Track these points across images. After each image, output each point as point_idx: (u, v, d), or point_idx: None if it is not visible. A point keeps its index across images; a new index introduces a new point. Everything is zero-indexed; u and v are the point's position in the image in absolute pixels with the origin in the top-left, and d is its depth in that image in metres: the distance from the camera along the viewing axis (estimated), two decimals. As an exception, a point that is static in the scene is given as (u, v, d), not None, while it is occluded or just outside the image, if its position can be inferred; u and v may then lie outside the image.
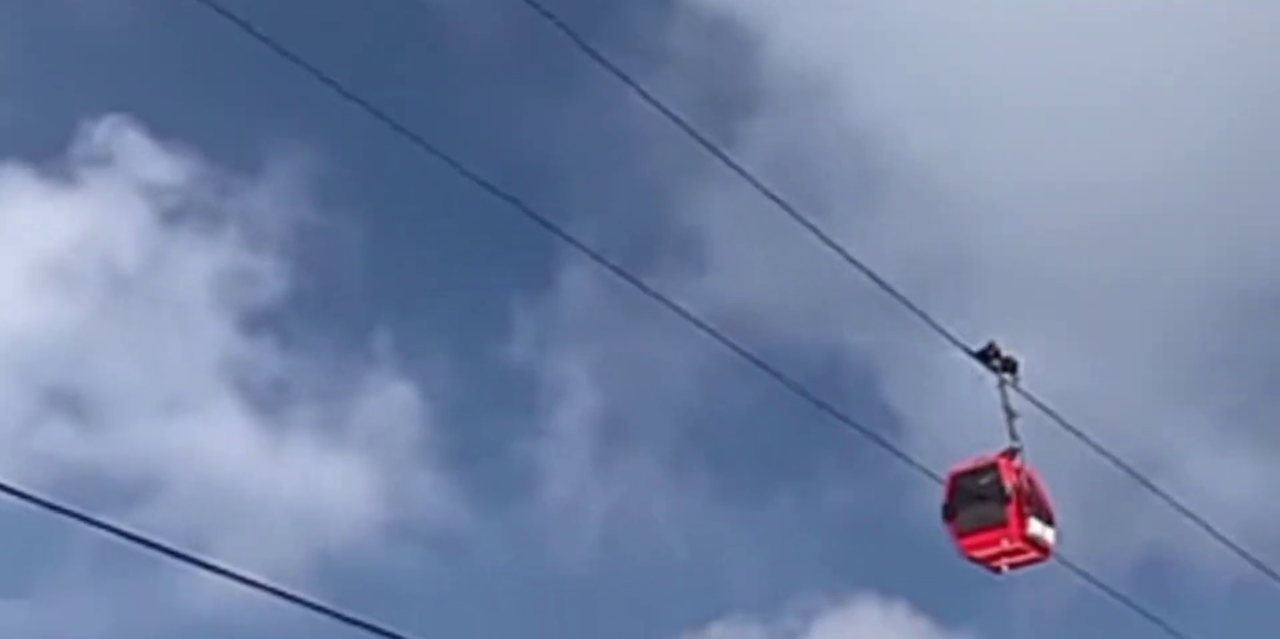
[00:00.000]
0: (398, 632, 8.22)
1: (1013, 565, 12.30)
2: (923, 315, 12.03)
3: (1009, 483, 12.02)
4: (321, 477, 39.09)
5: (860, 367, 43.45)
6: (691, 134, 9.79)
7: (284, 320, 40.36)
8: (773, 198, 10.08)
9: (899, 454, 13.15)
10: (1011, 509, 11.95)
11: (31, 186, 36.34)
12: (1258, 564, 15.40)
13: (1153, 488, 14.38)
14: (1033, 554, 12.21)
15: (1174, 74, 35.73)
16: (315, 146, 39.03)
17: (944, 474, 12.86)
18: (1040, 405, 12.83)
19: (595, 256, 10.97)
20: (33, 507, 7.30)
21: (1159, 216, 37.52)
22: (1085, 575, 13.61)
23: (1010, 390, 12.56)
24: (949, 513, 12.24)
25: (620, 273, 10.76)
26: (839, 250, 10.98)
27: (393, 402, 43.30)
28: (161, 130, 36.95)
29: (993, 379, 12.57)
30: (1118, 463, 13.81)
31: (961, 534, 12.23)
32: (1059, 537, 12.27)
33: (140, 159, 36.71)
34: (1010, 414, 12.57)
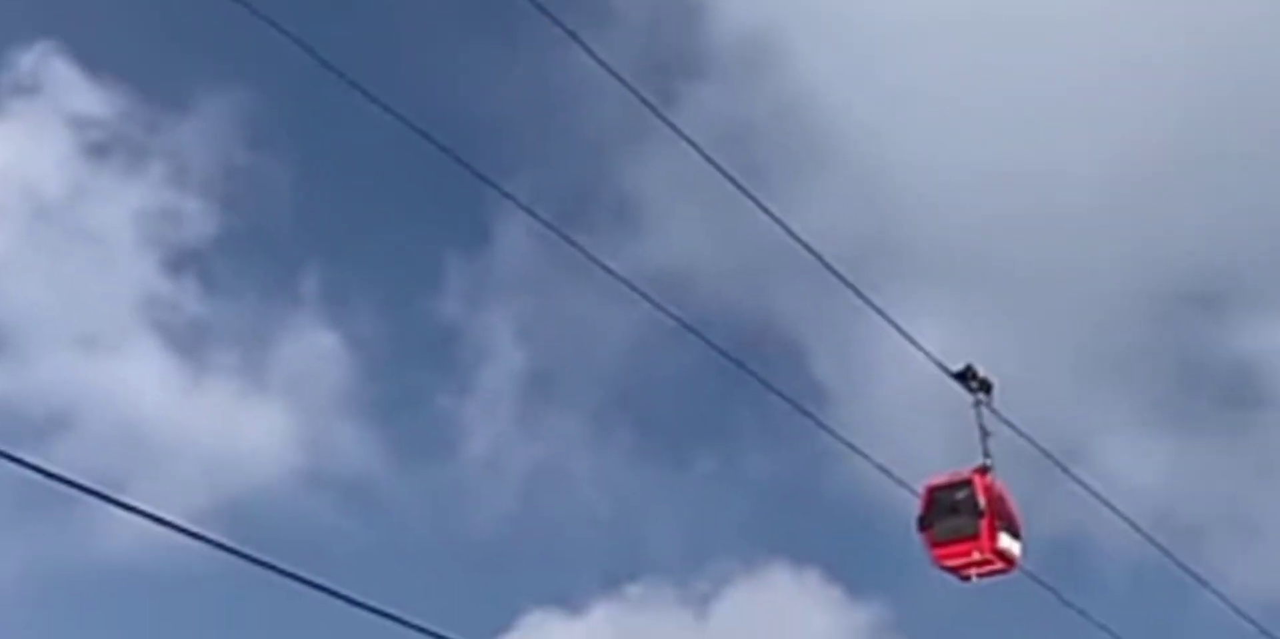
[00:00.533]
0: (311, 577, 8.19)
1: (980, 575, 13.26)
2: (891, 322, 12.30)
3: (982, 499, 12.96)
4: (239, 421, 38.64)
5: (790, 337, 43.72)
6: (634, 94, 9.75)
7: (208, 261, 39.71)
8: (712, 163, 10.08)
9: (822, 425, 13.30)
10: (984, 523, 12.90)
11: (-46, 113, 35.47)
12: (1162, 549, 15.90)
13: (1068, 472, 14.76)
14: (1000, 565, 13.17)
15: (1112, 73, 36.16)
16: (248, 86, 38.27)
17: (867, 448, 13.23)
18: (1013, 427, 13.74)
19: (530, 213, 10.92)
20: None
21: (1090, 210, 38.07)
22: (1037, 579, 14.03)
23: (984, 410, 13.54)
24: (924, 524, 13.16)
25: (554, 230, 10.73)
26: (779, 223, 11.00)
27: (316, 349, 42.86)
28: (91, 62, 36.04)
29: (968, 399, 13.52)
30: (1036, 446, 14.31)
31: (935, 544, 13.15)
32: (1025, 550, 13.26)
33: (68, 90, 35.87)
34: (984, 433, 13.47)
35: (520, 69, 37.51)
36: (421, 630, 8.52)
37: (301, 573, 8.28)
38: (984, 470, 13.29)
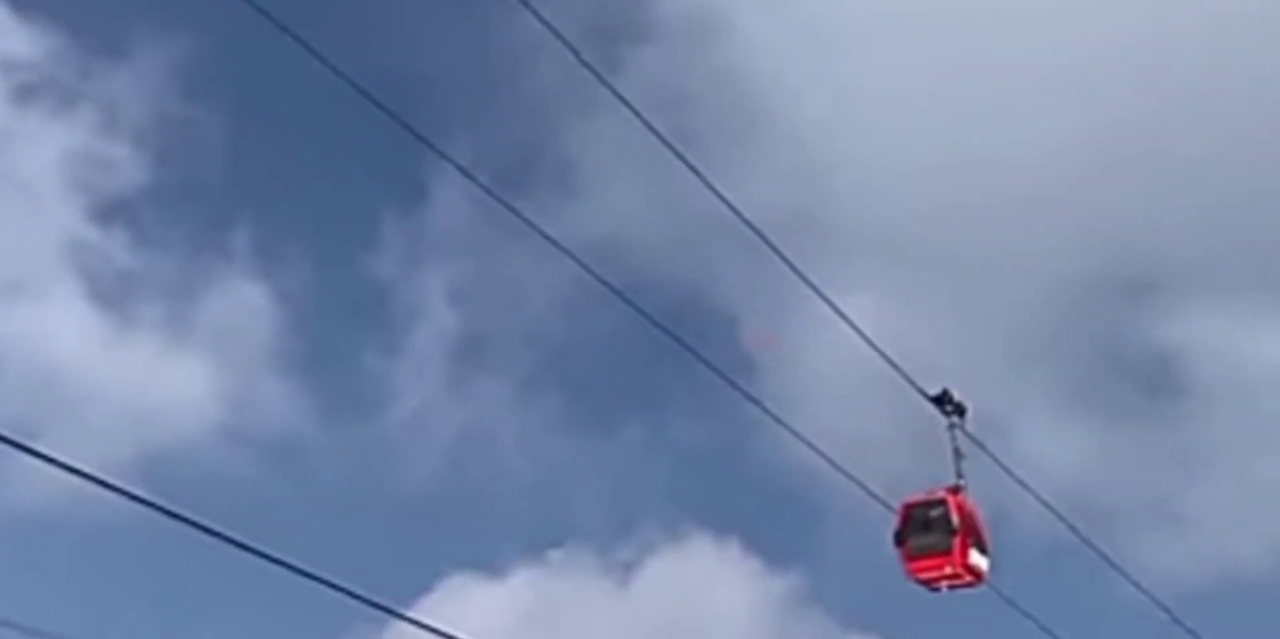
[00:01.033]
0: (229, 533, 8.11)
1: (950, 587, 14.08)
2: (828, 301, 12.42)
3: (956, 517, 13.82)
4: (162, 374, 38.10)
5: (722, 307, 43.87)
6: (578, 58, 9.67)
7: (137, 211, 38.99)
8: (652, 130, 10.04)
9: (748, 397, 13.36)
10: (957, 540, 13.76)
11: (-123, 49, 34.42)
12: (1073, 529, 16.25)
13: (986, 450, 15.04)
14: (969, 579, 13.99)
15: (1055, 70, 36.58)
16: (185, 35, 37.49)
17: (793, 421, 13.43)
18: (985, 449, 14.60)
19: (466, 174, 10.83)
20: None
21: (1025, 200, 38.54)
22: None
23: (958, 433, 14.37)
24: (900, 539, 14.01)
25: (490, 193, 10.64)
26: (716, 193, 10.97)
27: (244, 303, 42.32)
28: (22, 2, 35.15)
29: (944, 421, 14.33)
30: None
31: (910, 558, 13.99)
32: (992, 565, 14.15)
33: (-2, 31, 34.95)
34: (958, 455, 14.31)
35: (465, 30, 37.12)
36: (340, 590, 8.49)
37: (220, 529, 8.21)
38: (957, 490, 14.13)
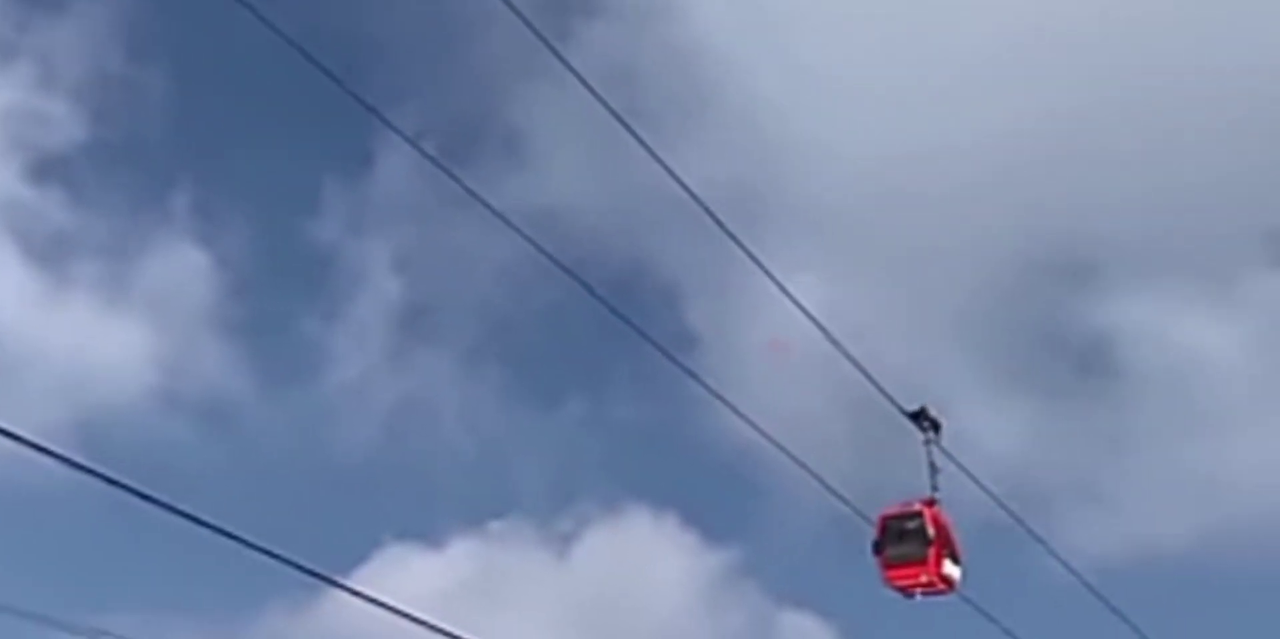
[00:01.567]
0: (163, 498, 8.05)
1: (924, 594, 14.95)
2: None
3: (931, 528, 14.68)
4: (97, 337, 37.55)
5: (666, 283, 43.91)
6: (529, 28, 9.61)
7: (75, 170, 38.28)
8: (601, 102, 10.01)
9: (689, 373, 13.37)
10: (932, 550, 14.64)
11: None
12: (1007, 510, 16.57)
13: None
14: (942, 587, 14.86)
15: (993, 55, 36.89)
16: (129, -10, 36.81)
17: (733, 397, 13.57)
18: (958, 464, 15.31)
19: (411, 143, 10.74)
20: None
21: (969, 184, 38.91)
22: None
23: (934, 448, 15.17)
24: (878, 548, 14.85)
25: (434, 162, 10.56)
26: (664, 165, 10.93)
27: (183, 266, 41.73)
28: (-42, -45, 34.30)
29: (920, 437, 15.11)
30: (893, 403, 15.10)
31: (887, 566, 14.85)
32: (964, 574, 15.00)
33: (-71, -19, 34.14)
34: (933, 469, 15.12)
35: (415, -5, 36.72)
36: (277, 558, 8.46)
37: (156, 494, 8.15)
38: (932, 502, 14.98)
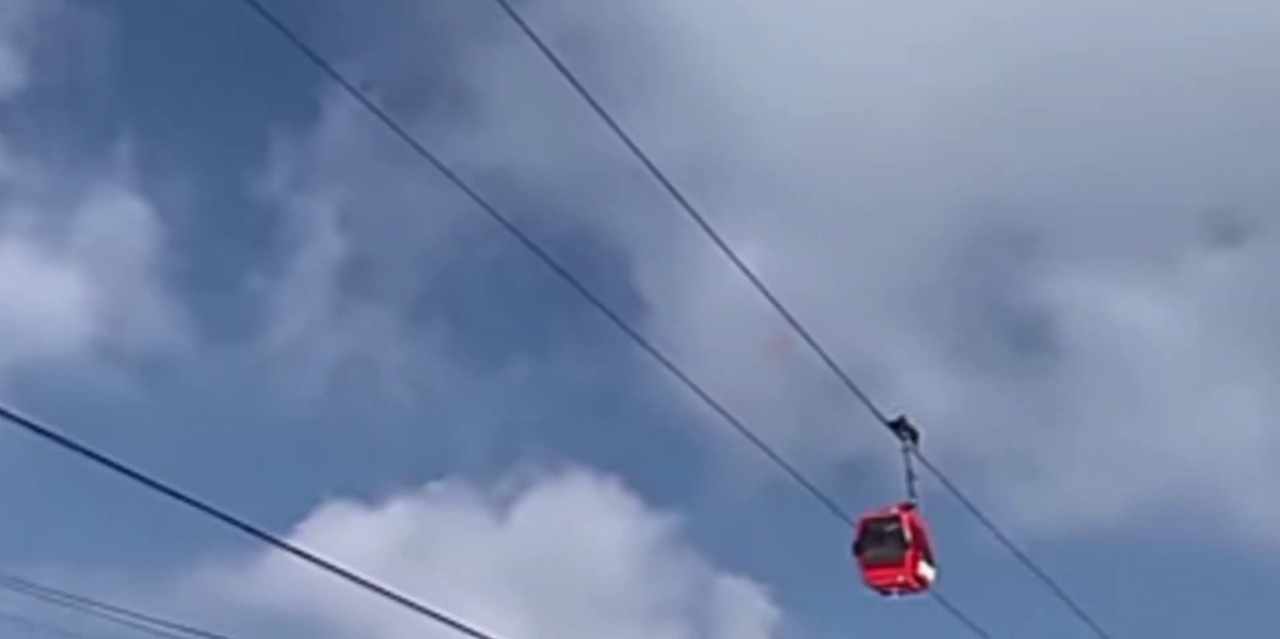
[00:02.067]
0: (98, 451, 7.95)
1: (900, 593, 15.78)
2: (724, 247, 12.41)
3: (908, 532, 15.52)
4: (33, 286, 36.92)
5: (615, 247, 43.79)
6: (484, -15, 9.46)
7: (13, 117, 37.49)
8: (555, 62, 9.91)
9: (634, 336, 13.39)
10: (909, 553, 15.49)
11: None
12: (943, 479, 16.84)
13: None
14: (917, 587, 15.72)
15: (956, 22, 36.92)
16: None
17: (679, 362, 13.65)
18: (936, 472, 16.17)
19: (358, 95, 10.60)
20: None
21: (918, 150, 39.03)
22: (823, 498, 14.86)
23: (912, 456, 15.91)
24: (858, 549, 15.67)
25: (382, 117, 10.43)
26: (616, 129, 10.86)
27: (124, 217, 41.06)
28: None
29: (899, 444, 15.85)
30: (835, 369, 15.34)
31: (866, 566, 15.67)
32: (938, 575, 15.88)
33: None
34: (911, 476, 15.91)
35: (368, -53, 36.16)
36: (212, 513, 8.38)
37: (91, 447, 8.03)
38: (909, 507, 15.81)
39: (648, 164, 11.00)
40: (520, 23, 9.80)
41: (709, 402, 13.67)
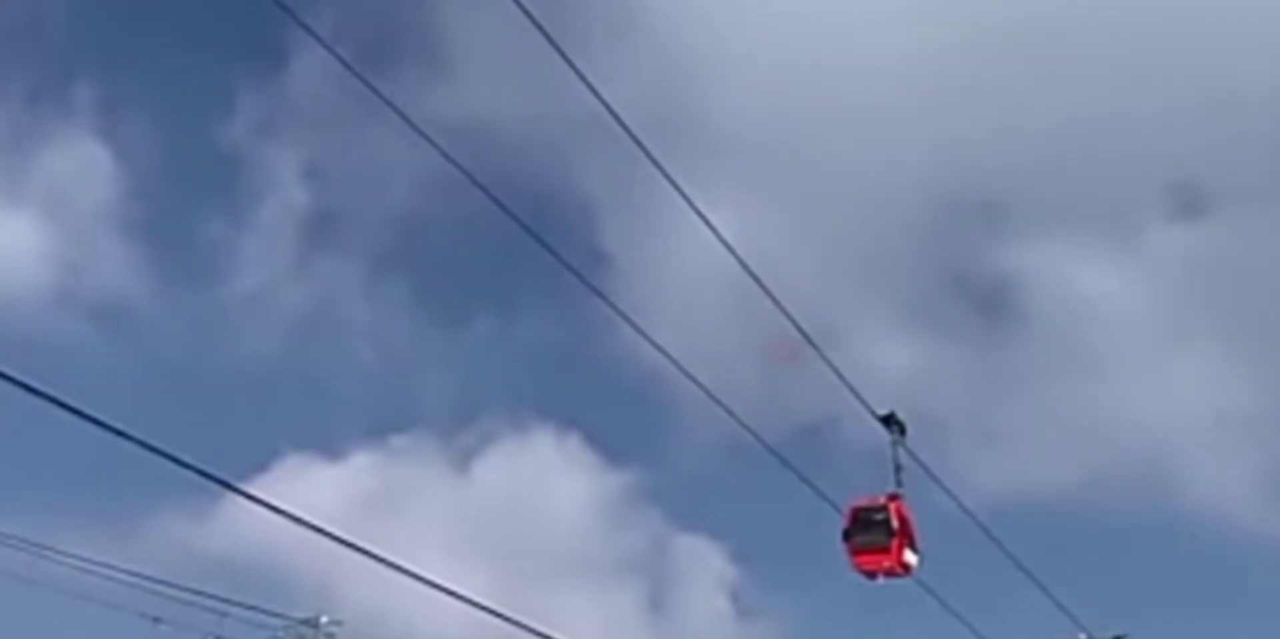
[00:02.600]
0: (57, 395, 7.89)
1: (886, 577, 16.67)
2: (693, 206, 12.37)
3: (895, 520, 16.40)
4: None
5: (582, 203, 43.63)
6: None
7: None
8: (529, 16, 9.81)
9: (599, 294, 13.32)
10: (895, 541, 16.36)
11: None
12: (929, 472, 17.41)
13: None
14: (901, 572, 16.62)
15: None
16: None
17: (643, 321, 13.61)
18: (922, 464, 16.88)
19: (325, 46, 10.45)
20: None
21: (890, 112, 39.02)
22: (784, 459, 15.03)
23: (899, 449, 16.67)
24: (847, 536, 16.51)
25: (349, 68, 10.31)
26: (587, 83, 10.80)
27: (83, 162, 40.51)
28: None
29: (888, 437, 16.56)
30: (865, 406, 16.38)
31: (855, 552, 16.52)
32: (921, 561, 16.76)
33: None
34: (898, 467, 16.70)
35: (338, -107, 35.63)
36: (175, 461, 8.34)
37: (48, 390, 7.97)
38: (896, 497, 16.62)
39: (616, 118, 10.95)
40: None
41: (670, 359, 13.68)
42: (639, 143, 11.28)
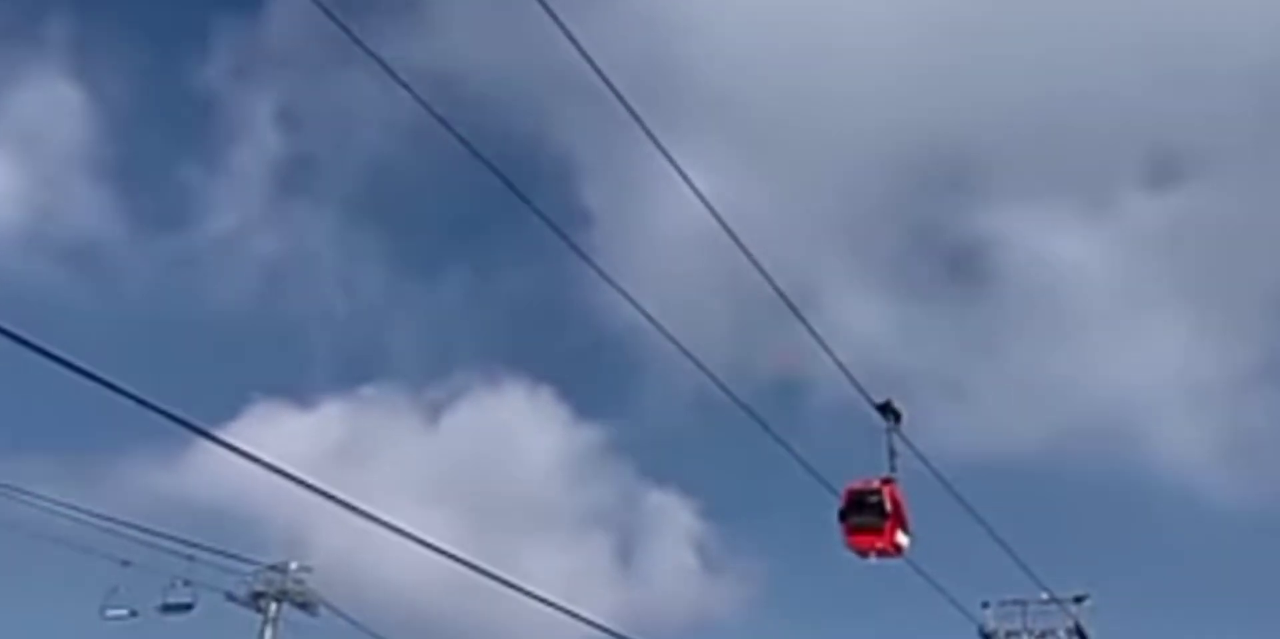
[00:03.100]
0: (21, 334, 7.85)
1: (878, 556, 17.49)
2: (748, 253, 12.34)
3: (888, 503, 17.24)
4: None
5: (562, 158, 43.40)
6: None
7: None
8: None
9: (573, 247, 13.30)
10: (888, 523, 17.22)
11: None
12: (924, 460, 18.24)
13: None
14: (893, 552, 17.52)
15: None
16: None
17: (623, 280, 13.64)
18: (915, 450, 17.69)
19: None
20: None
21: (869, 82, 38.92)
22: (750, 411, 15.06)
23: (894, 436, 17.43)
24: (843, 516, 17.33)
25: (326, 13, 10.20)
26: (575, 43, 10.71)
27: (55, 102, 39.95)
28: None
29: (884, 425, 17.33)
30: (862, 393, 16.95)
31: (850, 532, 17.36)
32: (912, 542, 17.63)
33: None
34: (892, 453, 17.50)
35: None
36: (145, 404, 8.33)
37: (15, 331, 7.93)
38: (889, 481, 17.48)
39: (599, 73, 10.90)
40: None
41: (642, 313, 13.72)
42: (620, 98, 11.24)
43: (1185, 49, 39.18)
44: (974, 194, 44.03)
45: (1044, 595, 31.70)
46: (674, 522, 46.10)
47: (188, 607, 31.24)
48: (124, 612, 31.13)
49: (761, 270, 14.24)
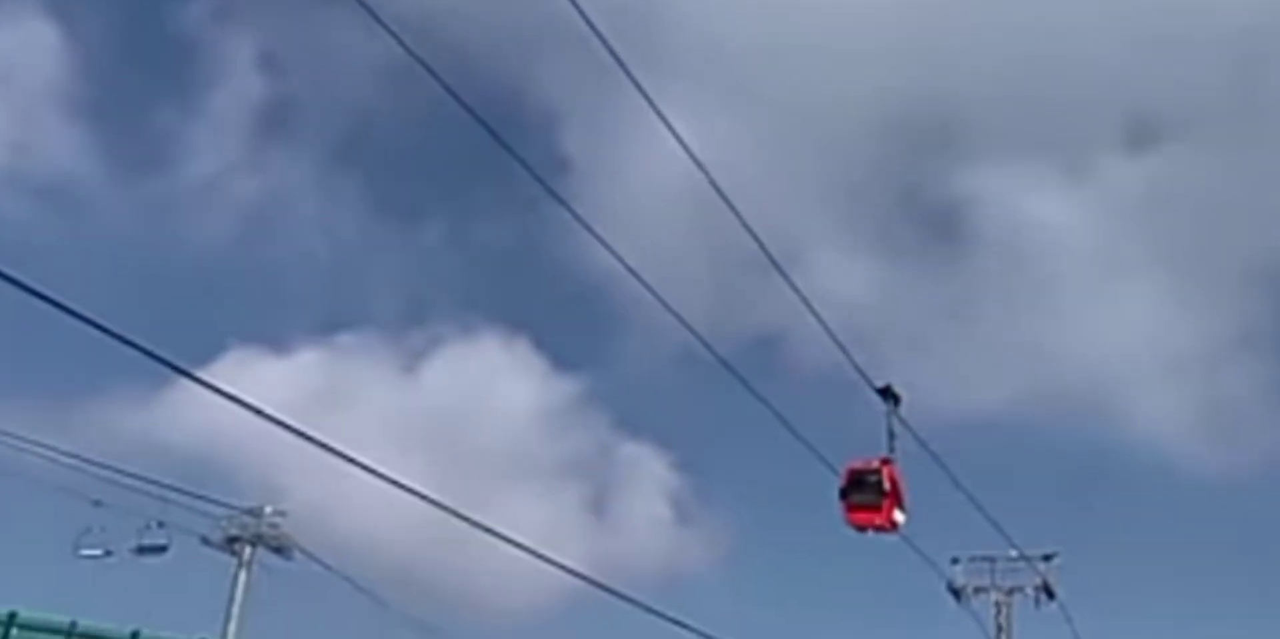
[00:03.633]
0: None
1: (875, 532, 18.38)
2: (731, 206, 12.20)
3: (887, 483, 18.09)
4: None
5: (545, 106, 43.06)
6: None
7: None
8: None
9: (554, 195, 13.24)
10: (886, 501, 18.07)
11: None
12: (921, 442, 19.10)
13: (782, 273, 15.95)
14: (890, 529, 18.44)
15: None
16: None
17: (603, 230, 13.57)
18: (913, 432, 18.57)
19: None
20: None
21: (854, 42, 38.69)
22: (729, 366, 14.99)
23: (894, 418, 18.22)
24: (844, 494, 18.18)
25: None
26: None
27: (32, 41, 39.40)
28: None
29: (884, 408, 18.09)
30: (864, 377, 17.58)
31: (850, 509, 18.20)
32: (908, 520, 18.49)
33: None
34: (891, 435, 18.31)
35: None
36: (125, 342, 8.29)
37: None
38: (888, 461, 18.29)
39: (585, 19, 10.81)
40: None
41: (623, 264, 13.67)
42: (605, 41, 11.16)
43: (1164, 14, 39.14)
44: (955, 156, 44.07)
45: (1013, 553, 32.10)
46: (649, 474, 46.41)
47: (163, 549, 31.32)
48: (98, 551, 31.20)
49: (744, 223, 14.23)
